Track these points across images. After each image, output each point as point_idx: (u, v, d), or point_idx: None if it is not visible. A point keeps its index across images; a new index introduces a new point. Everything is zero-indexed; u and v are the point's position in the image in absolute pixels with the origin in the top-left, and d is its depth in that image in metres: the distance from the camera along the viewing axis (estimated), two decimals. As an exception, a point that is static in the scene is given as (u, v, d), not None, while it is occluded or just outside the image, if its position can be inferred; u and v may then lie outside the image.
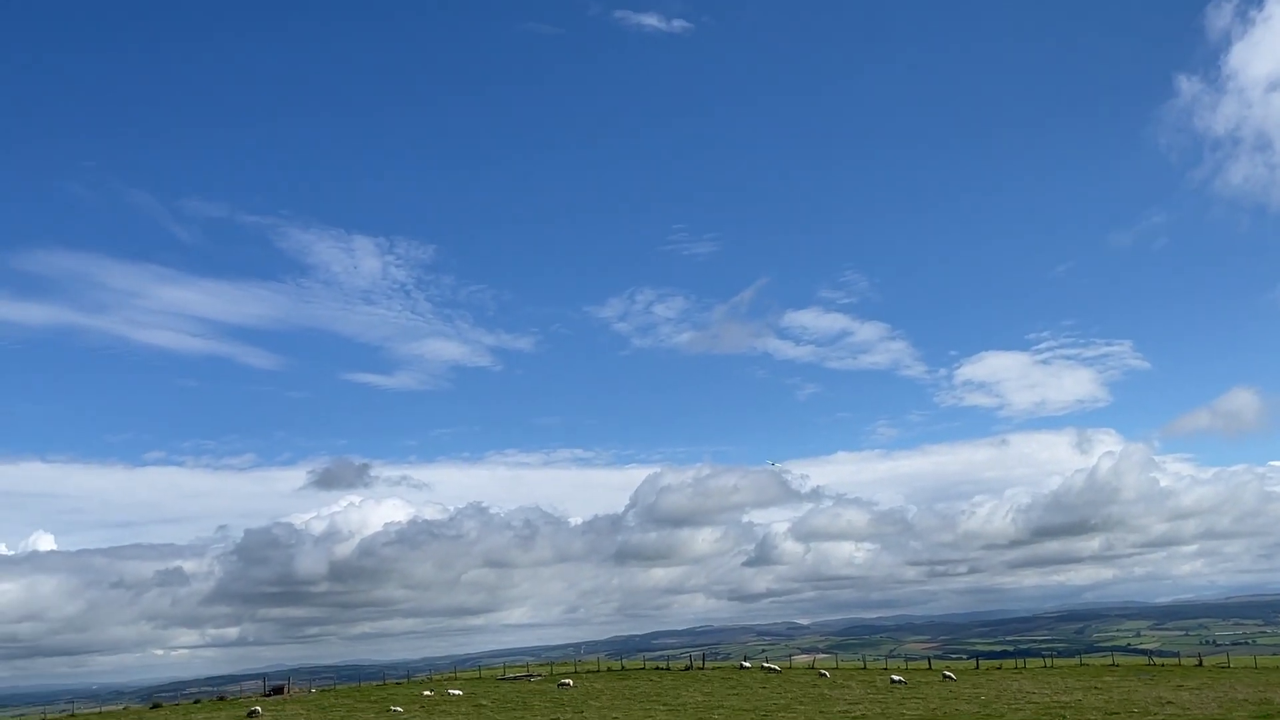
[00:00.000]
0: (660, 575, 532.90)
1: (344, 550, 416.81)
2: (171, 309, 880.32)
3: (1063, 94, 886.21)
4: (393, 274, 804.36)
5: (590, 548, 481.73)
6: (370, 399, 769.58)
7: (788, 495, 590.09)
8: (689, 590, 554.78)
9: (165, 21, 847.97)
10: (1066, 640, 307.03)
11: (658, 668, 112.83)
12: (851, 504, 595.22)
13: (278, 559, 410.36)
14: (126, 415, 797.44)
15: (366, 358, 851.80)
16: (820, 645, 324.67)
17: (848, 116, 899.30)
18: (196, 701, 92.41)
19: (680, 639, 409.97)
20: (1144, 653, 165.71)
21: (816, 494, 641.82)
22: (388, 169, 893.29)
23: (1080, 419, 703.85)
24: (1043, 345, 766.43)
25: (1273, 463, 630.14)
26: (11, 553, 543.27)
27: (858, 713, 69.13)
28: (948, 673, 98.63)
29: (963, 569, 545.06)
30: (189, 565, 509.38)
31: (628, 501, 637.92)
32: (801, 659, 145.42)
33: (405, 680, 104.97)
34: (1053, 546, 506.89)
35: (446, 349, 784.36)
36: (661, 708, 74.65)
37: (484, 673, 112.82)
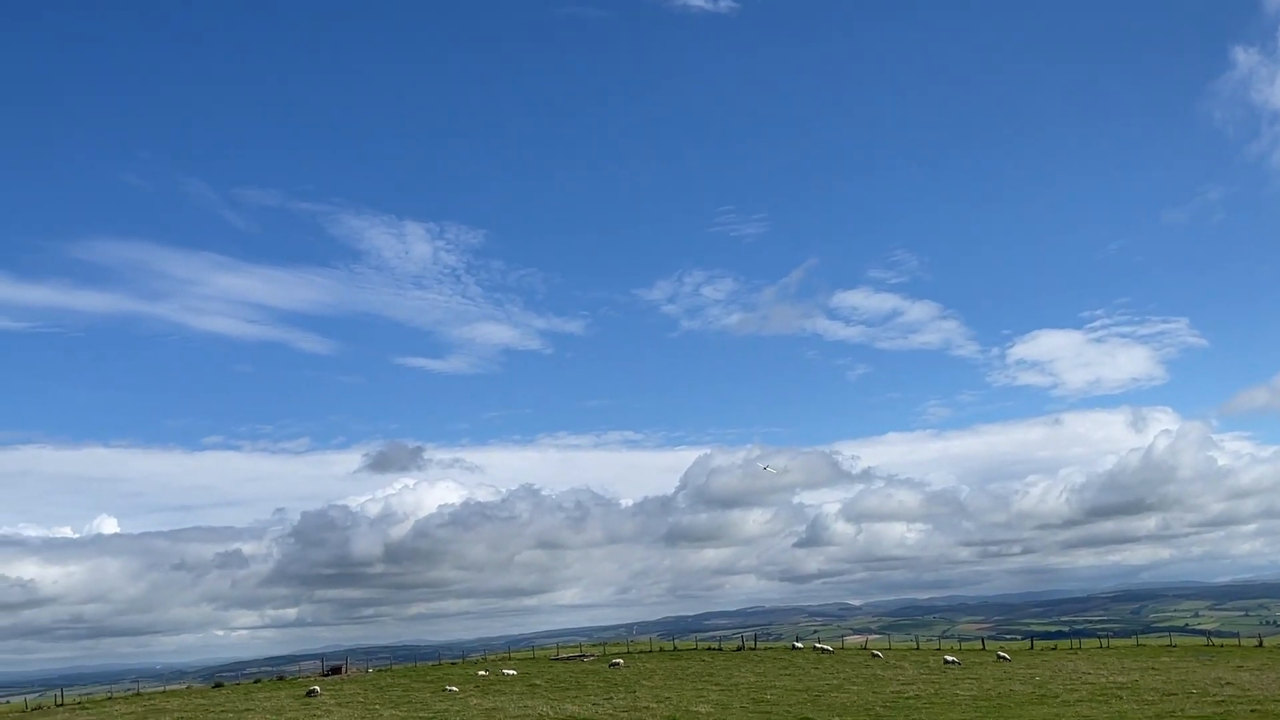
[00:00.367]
0: (711, 556, 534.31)
1: (399, 532, 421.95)
2: (227, 296, 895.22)
3: (1116, 68, 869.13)
4: (443, 259, 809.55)
5: (641, 529, 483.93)
6: (422, 383, 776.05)
7: (838, 476, 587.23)
8: (740, 571, 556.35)
9: (214, 13, 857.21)
10: (1123, 621, 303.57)
11: (710, 648, 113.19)
12: (903, 485, 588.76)
13: (334, 541, 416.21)
14: (185, 400, 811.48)
15: (418, 342, 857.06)
16: (872, 626, 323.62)
17: (896, 94, 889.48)
18: (257, 681, 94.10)
19: (732, 620, 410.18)
20: (1202, 633, 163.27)
21: (867, 475, 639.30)
22: (437, 155, 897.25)
23: (1135, 397, 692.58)
24: (1097, 323, 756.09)
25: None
26: (77, 536, 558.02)
27: (911, 693, 69.04)
28: (1002, 653, 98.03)
29: (1016, 549, 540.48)
30: (248, 547, 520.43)
31: (678, 483, 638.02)
32: (854, 640, 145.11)
33: (460, 660, 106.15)
34: (1108, 526, 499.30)
35: (497, 332, 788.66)
36: (714, 687, 74.98)
37: (537, 653, 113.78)
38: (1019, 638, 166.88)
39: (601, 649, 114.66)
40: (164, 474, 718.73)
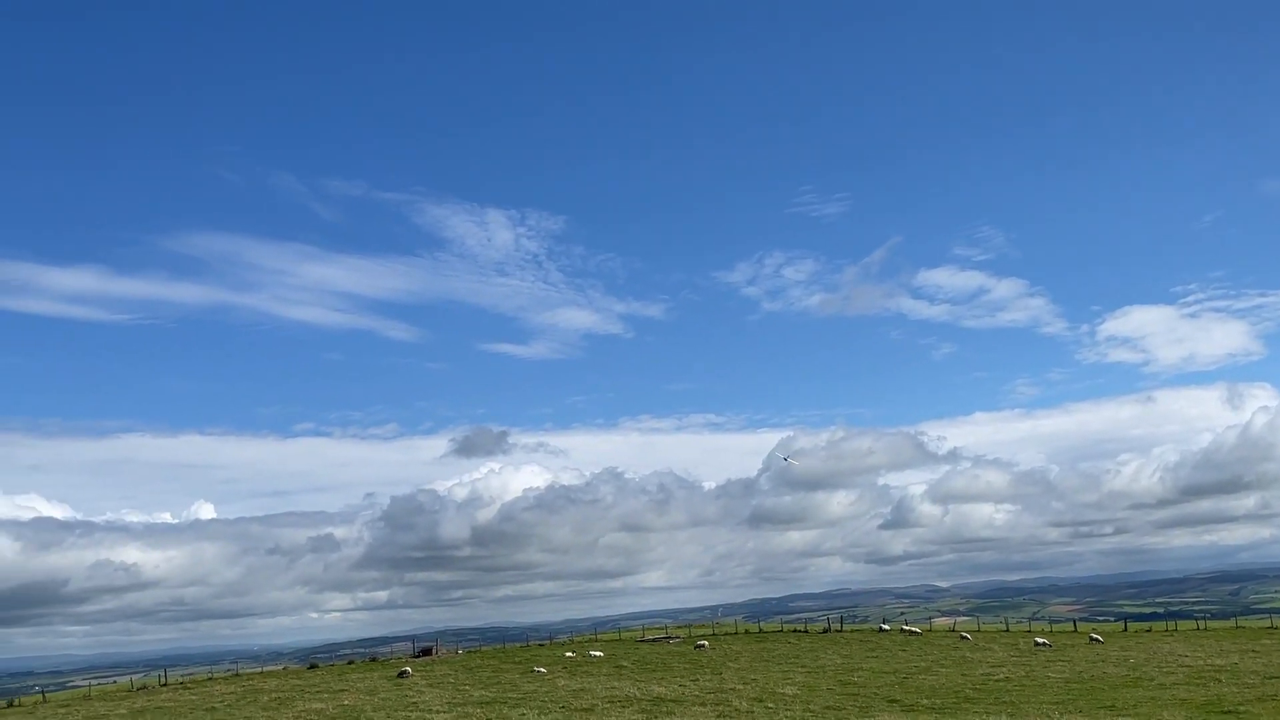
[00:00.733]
0: (795, 538, 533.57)
1: (485, 515, 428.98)
2: (316, 285, 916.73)
3: (1209, 35, 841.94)
4: (525, 245, 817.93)
5: (724, 511, 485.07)
6: (506, 368, 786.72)
7: (924, 457, 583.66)
8: (825, 553, 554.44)
9: (298, 12, 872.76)
10: (1221, 602, 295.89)
11: (795, 630, 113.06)
12: (990, 465, 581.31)
13: (423, 525, 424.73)
14: (276, 388, 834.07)
15: (502, 328, 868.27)
16: (960, 608, 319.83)
17: (979, 68, 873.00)
18: (350, 663, 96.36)
19: (817, 602, 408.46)
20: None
21: (954, 455, 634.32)
22: (517, 143, 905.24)
23: (1232, 373, 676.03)
24: (1190, 298, 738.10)
25: None
26: (176, 521, 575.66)
27: (1001, 675, 68.17)
28: (1094, 635, 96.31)
29: (1108, 529, 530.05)
30: (339, 532, 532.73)
31: (760, 465, 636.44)
32: (942, 622, 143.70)
33: (548, 642, 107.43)
34: (1204, 505, 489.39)
35: (579, 317, 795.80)
36: (800, 670, 74.83)
37: (623, 635, 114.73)
38: (1112, 620, 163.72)
39: (687, 631, 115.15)
40: (258, 460, 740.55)
